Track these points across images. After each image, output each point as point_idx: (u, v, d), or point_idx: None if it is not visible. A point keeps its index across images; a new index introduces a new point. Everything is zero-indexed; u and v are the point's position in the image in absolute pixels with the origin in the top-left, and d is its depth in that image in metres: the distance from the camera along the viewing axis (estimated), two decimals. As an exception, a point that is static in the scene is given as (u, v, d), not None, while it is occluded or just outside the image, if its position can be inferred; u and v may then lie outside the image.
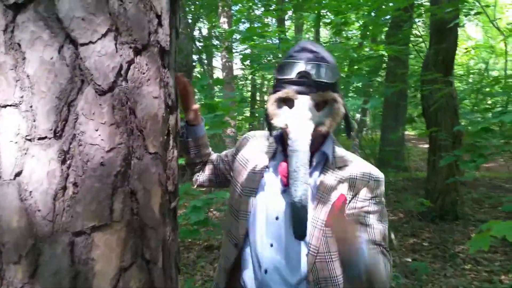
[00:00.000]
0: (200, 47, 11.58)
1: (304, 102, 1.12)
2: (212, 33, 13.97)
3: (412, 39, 6.86)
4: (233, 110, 3.76)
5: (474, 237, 2.12)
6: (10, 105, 0.76)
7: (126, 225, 0.82)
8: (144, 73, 0.86)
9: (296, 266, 1.19)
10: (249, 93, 14.81)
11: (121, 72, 0.82)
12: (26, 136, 0.76)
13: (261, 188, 1.28)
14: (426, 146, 8.09)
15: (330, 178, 1.21)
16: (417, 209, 5.28)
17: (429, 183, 5.60)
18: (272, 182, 1.27)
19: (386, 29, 6.88)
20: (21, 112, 0.76)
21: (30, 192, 0.75)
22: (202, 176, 1.53)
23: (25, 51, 0.76)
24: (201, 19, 12.47)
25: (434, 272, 3.75)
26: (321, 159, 1.25)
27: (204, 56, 12.98)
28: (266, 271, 1.21)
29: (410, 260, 4.03)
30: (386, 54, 5.34)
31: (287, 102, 1.16)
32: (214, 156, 1.54)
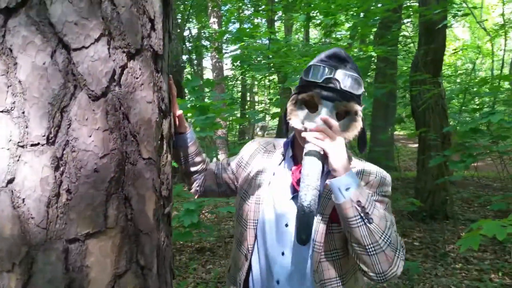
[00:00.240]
0: (190, 48, 11.55)
1: (327, 108, 1.10)
2: (202, 34, 13.94)
3: (400, 39, 6.93)
4: (224, 112, 3.76)
5: (464, 236, 2.14)
6: (2, 111, 0.75)
7: (121, 231, 0.82)
8: (137, 78, 0.86)
9: (309, 274, 1.16)
10: (239, 94, 14.82)
11: (114, 77, 0.81)
12: (18, 142, 0.75)
13: (269, 196, 1.24)
14: (415, 145, 8.17)
15: None
16: (407, 209, 5.33)
17: (418, 183, 5.66)
18: (280, 188, 1.24)
19: (375, 29, 6.92)
20: (13, 118, 0.75)
21: (23, 199, 0.74)
22: (203, 186, 1.46)
23: (16, 56, 0.75)
24: (190, 19, 12.42)
25: (425, 272, 3.79)
26: None
27: (194, 57, 12.95)
28: (278, 282, 1.18)
29: (401, 259, 4.06)
30: (375, 54, 5.38)
31: (309, 105, 1.14)
32: (212, 165, 1.47)
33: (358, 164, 1.23)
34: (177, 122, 1.32)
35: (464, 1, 6.23)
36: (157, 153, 0.92)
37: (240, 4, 12.11)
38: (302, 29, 13.22)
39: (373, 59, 6.70)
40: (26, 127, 0.75)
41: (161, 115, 0.95)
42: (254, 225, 1.24)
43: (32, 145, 0.75)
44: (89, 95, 0.78)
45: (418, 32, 5.91)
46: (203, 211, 5.67)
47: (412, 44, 6.66)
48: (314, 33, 17.01)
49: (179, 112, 1.31)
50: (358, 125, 1.14)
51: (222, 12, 11.30)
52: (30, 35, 0.75)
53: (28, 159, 0.75)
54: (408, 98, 6.27)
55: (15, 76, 0.75)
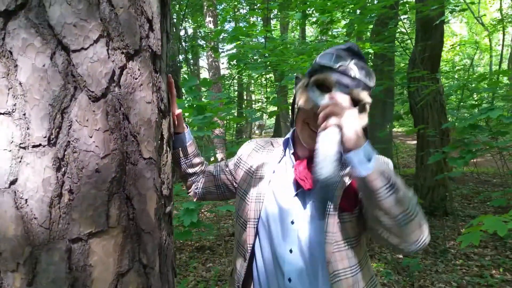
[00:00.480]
0: (186, 47, 11.54)
1: (341, 91, 1.06)
2: (198, 33, 13.93)
3: (397, 36, 6.94)
4: (221, 111, 3.76)
5: (464, 232, 2.15)
6: (3, 113, 0.76)
7: (123, 230, 0.83)
8: (136, 78, 0.86)
9: (320, 269, 1.14)
10: (236, 93, 14.82)
11: (113, 78, 0.82)
12: (20, 144, 0.75)
13: (270, 194, 1.23)
14: (414, 142, 8.18)
15: (341, 168, 1.16)
16: (406, 205, 5.33)
17: (418, 179, 5.67)
18: (282, 186, 1.23)
19: (371, 26, 6.93)
20: (14, 120, 0.76)
21: (26, 200, 0.75)
22: (201, 188, 1.45)
23: (16, 58, 0.76)
24: (186, 19, 12.42)
25: (426, 268, 3.81)
26: None
27: (190, 56, 12.94)
28: (290, 280, 1.16)
29: (401, 256, 4.08)
30: (372, 51, 5.39)
31: (322, 89, 1.10)
32: (211, 167, 1.46)
33: None
34: (176, 122, 1.32)
35: (460, -4, 6.24)
36: (157, 153, 0.93)
37: (236, 3, 12.12)
38: (298, 27, 13.24)
39: (370, 56, 6.70)
40: (28, 129, 0.75)
41: (161, 115, 0.96)
42: (254, 224, 1.23)
43: (33, 146, 0.75)
44: (89, 96, 0.78)
45: (415, 28, 5.92)
46: (203, 210, 5.68)
47: (409, 41, 6.67)
48: (310, 31, 17.01)
49: (177, 111, 1.30)
50: (366, 118, 1.12)
51: (217, 11, 11.29)
52: (29, 37, 0.76)
53: (30, 160, 0.75)
54: (406, 95, 6.28)
55: (16, 78, 0.76)
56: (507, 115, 4.72)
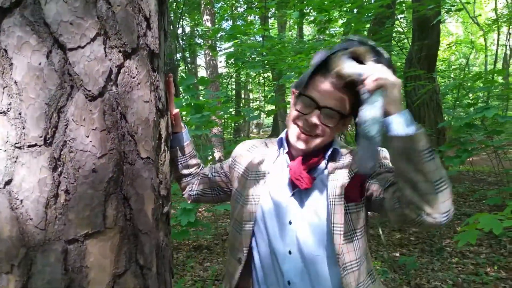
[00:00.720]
0: (183, 45, 11.52)
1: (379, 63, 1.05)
2: (195, 31, 13.91)
3: (394, 35, 6.94)
4: (219, 109, 3.75)
5: (461, 231, 2.16)
6: (-2, 113, 0.75)
7: (120, 231, 0.82)
8: (134, 77, 0.85)
9: (320, 270, 1.12)
10: (234, 91, 14.80)
11: (111, 77, 0.81)
12: (16, 143, 0.74)
13: (266, 195, 1.22)
14: (410, 141, 8.16)
15: (338, 163, 1.18)
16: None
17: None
18: (278, 186, 1.21)
19: (368, 25, 6.94)
20: (9, 119, 0.75)
21: (21, 200, 0.74)
22: (196, 190, 1.42)
23: (12, 56, 0.75)
24: (183, 17, 12.38)
25: (422, 266, 3.81)
26: (330, 153, 1.20)
27: (187, 55, 12.91)
28: (289, 283, 1.14)
29: (398, 254, 4.09)
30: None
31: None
32: (206, 169, 1.44)
33: (351, 148, 1.23)
34: (173, 121, 1.30)
35: (457, -4, 6.25)
36: (155, 152, 0.92)
37: (233, 1, 12.09)
38: (296, 26, 13.23)
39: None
40: (23, 128, 0.74)
41: (158, 114, 0.95)
42: (250, 227, 1.20)
43: (29, 146, 0.74)
44: (86, 95, 0.77)
45: (412, 27, 5.93)
46: (200, 209, 5.67)
47: (406, 40, 6.68)
48: (308, 30, 17.02)
49: (175, 110, 1.28)
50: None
51: (215, 9, 11.27)
52: (25, 35, 0.75)
53: (26, 160, 0.74)
54: (403, 94, 6.29)
55: (11, 77, 0.75)
56: (502, 114, 4.74)
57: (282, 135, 1.28)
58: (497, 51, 13.17)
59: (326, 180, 1.16)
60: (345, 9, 6.05)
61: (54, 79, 0.75)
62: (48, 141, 0.75)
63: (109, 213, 0.80)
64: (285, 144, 1.25)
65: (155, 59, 0.93)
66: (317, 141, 1.15)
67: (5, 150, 0.74)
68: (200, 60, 17.43)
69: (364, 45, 1.10)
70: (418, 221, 1.01)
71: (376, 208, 1.14)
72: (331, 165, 1.19)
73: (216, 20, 10.57)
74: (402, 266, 3.78)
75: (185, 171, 1.39)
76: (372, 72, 0.99)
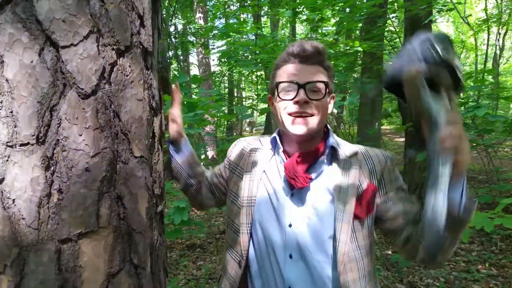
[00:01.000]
0: (176, 43, 11.46)
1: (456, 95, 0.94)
2: (188, 29, 13.85)
3: (386, 35, 6.97)
4: (211, 108, 3.74)
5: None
6: (-11, 111, 0.74)
7: (113, 230, 0.81)
8: (127, 75, 0.85)
9: (322, 275, 1.08)
10: (227, 90, 14.78)
11: (104, 75, 0.80)
12: (7, 142, 0.73)
13: (263, 195, 1.18)
14: (402, 139, 8.24)
15: (343, 168, 1.13)
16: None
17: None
18: (275, 186, 1.17)
19: (360, 25, 6.96)
20: (0, 118, 0.74)
21: (13, 200, 0.73)
22: (200, 197, 1.41)
23: (3, 54, 0.74)
24: (176, 14, 12.33)
25: (414, 264, 3.84)
26: (329, 151, 1.17)
27: (180, 52, 12.86)
28: (290, 287, 1.10)
29: (390, 252, 4.11)
30: (361, 49, 5.42)
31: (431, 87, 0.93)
32: (209, 173, 1.43)
33: (354, 147, 1.19)
34: (176, 130, 1.34)
35: (448, -4, 6.30)
36: (149, 151, 0.91)
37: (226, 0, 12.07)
38: (288, 25, 13.23)
39: (359, 54, 6.74)
40: (15, 127, 0.73)
41: (152, 112, 0.94)
42: (248, 229, 1.17)
43: (21, 145, 0.73)
44: (79, 94, 0.77)
45: (404, 27, 5.96)
46: (193, 208, 5.65)
47: (398, 39, 6.71)
48: (301, 29, 17.05)
49: (176, 113, 1.30)
50: None
51: (208, 7, 11.24)
52: (16, 33, 0.74)
53: (18, 159, 0.73)
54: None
55: (2, 74, 0.74)
56: (492, 113, 4.78)
57: (275, 134, 1.24)
58: (487, 50, 13.31)
59: (328, 182, 1.12)
60: (337, 8, 6.07)
61: (47, 77, 0.74)
62: (40, 140, 0.74)
63: (102, 212, 0.79)
64: (279, 143, 1.22)
65: (149, 57, 0.93)
66: (315, 120, 1.12)
67: (-4, 149, 0.73)
68: (193, 58, 17.35)
69: (447, 62, 0.88)
70: (420, 261, 1.04)
71: (378, 226, 1.15)
72: (335, 168, 1.14)
73: (209, 19, 10.54)
74: (394, 264, 3.80)
75: (192, 180, 1.37)
76: (455, 124, 0.85)
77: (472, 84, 4.69)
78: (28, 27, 0.74)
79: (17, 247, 0.73)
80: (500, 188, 5.41)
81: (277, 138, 1.22)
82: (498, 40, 15.02)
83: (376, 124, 8.20)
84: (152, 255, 0.92)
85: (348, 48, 5.84)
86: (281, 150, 1.21)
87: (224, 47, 6.59)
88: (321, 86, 1.12)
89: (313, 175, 1.14)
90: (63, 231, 0.75)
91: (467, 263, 3.81)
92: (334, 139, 1.19)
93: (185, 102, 3.21)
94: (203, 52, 10.50)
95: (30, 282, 0.74)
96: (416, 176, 5.43)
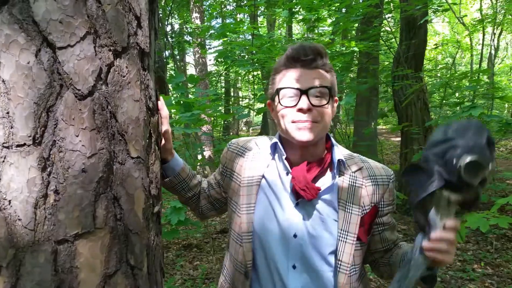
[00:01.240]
0: (172, 43, 11.44)
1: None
2: (184, 29, 13.83)
3: (382, 35, 7.00)
4: (208, 108, 3.74)
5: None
6: (-15, 112, 0.73)
7: (110, 231, 0.81)
8: (124, 76, 0.85)
9: (327, 285, 1.09)
10: (223, 89, 14.76)
11: (101, 76, 0.80)
12: (4, 143, 0.73)
13: (263, 203, 1.15)
14: (398, 139, 8.27)
15: (349, 184, 1.12)
16: (391, 202, 5.40)
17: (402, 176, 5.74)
18: (278, 195, 1.14)
19: (356, 25, 6.98)
20: (-3, 118, 0.73)
21: (9, 201, 0.73)
22: (201, 208, 1.37)
23: (-1, 55, 0.73)
24: (172, 14, 12.30)
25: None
26: (335, 165, 1.14)
27: (176, 52, 12.83)
28: None
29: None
30: (357, 50, 5.43)
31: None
32: (205, 183, 1.38)
33: (358, 161, 1.18)
34: (165, 148, 1.18)
35: (444, -4, 6.33)
36: (146, 151, 0.91)
37: (223, -1, 12.06)
38: (285, 25, 13.23)
39: (355, 54, 6.76)
40: (11, 128, 0.73)
41: (149, 113, 0.94)
42: (249, 239, 1.14)
43: (18, 146, 0.73)
44: (76, 94, 0.77)
45: (400, 27, 5.98)
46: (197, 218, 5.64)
47: (393, 39, 6.74)
48: (297, 29, 17.05)
49: (165, 127, 1.15)
50: None
51: (204, 7, 11.22)
52: (13, 34, 0.73)
53: (14, 160, 0.73)
54: (391, 93, 6.34)
55: (-1, 75, 0.73)
56: (488, 113, 4.81)
57: (276, 139, 1.20)
58: (482, 50, 13.37)
59: (334, 197, 1.11)
60: (334, 8, 6.08)
61: (43, 78, 0.74)
62: (37, 141, 0.74)
63: (99, 213, 0.79)
64: (282, 150, 1.16)
65: (146, 58, 0.93)
66: (319, 127, 1.09)
67: (-7, 150, 0.73)
68: (189, 58, 17.33)
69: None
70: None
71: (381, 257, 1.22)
72: (341, 183, 1.13)
73: (206, 18, 10.53)
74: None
75: (189, 194, 1.34)
76: (451, 231, 0.91)
77: (467, 84, 4.71)
78: (24, 28, 0.74)
79: (13, 248, 0.73)
80: (496, 188, 5.44)
81: (279, 144, 1.18)
82: (493, 40, 15.10)
83: (372, 123, 8.23)
84: (149, 255, 0.92)
85: (344, 48, 5.86)
86: (284, 157, 1.16)
87: (220, 47, 6.59)
88: (324, 91, 1.09)
89: (321, 187, 1.11)
90: (59, 232, 0.75)
91: (463, 262, 3.83)
92: (338, 149, 1.17)
93: (181, 102, 3.21)
94: (199, 52, 10.49)
95: (26, 283, 0.74)
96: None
